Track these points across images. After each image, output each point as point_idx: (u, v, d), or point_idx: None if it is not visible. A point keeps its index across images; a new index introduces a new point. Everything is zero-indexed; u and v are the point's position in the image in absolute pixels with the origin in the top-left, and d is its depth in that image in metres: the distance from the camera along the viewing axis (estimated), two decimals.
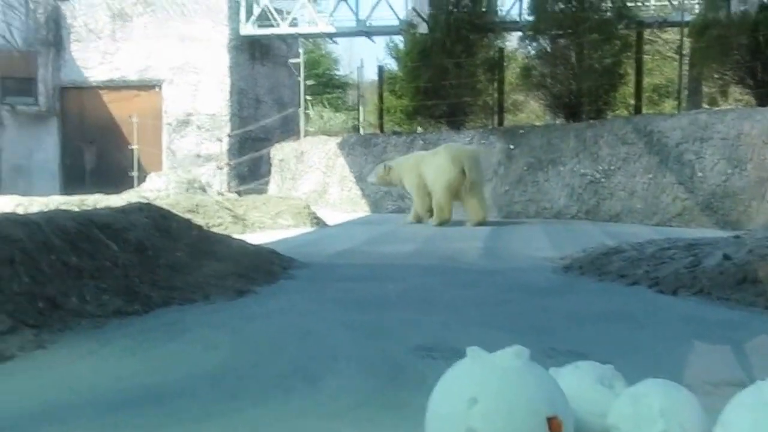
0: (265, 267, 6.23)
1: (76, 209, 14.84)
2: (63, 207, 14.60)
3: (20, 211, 14.76)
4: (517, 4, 18.62)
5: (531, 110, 21.40)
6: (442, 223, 11.65)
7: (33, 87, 21.51)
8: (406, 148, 15.16)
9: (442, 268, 6.76)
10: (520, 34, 16.66)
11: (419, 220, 12.28)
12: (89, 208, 15.03)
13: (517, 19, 17.94)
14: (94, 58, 21.68)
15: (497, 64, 16.02)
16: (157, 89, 21.47)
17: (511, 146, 14.11)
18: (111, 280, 4.42)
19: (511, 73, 18.30)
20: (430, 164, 11.89)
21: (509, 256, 7.79)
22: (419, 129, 17.26)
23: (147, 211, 5.63)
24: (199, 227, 6.40)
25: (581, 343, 3.55)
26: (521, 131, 14.43)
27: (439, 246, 8.84)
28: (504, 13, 18.02)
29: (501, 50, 16.33)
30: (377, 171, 12.97)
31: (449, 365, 2.07)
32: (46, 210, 14.83)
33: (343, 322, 4.16)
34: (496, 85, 16.03)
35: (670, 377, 2.15)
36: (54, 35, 21.78)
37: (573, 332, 3.88)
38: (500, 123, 15.76)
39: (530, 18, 15.69)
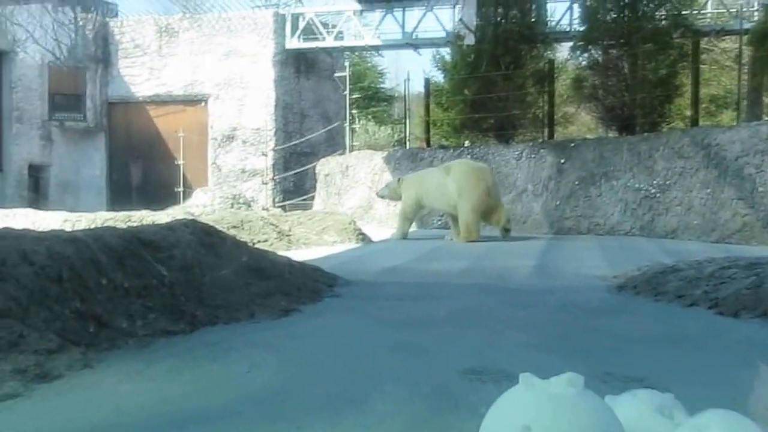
0: (310, 285, 6.26)
1: (123, 226, 15.11)
2: (110, 223, 14.92)
3: (68, 227, 15.11)
4: (568, 14, 18.53)
5: (582, 123, 21.22)
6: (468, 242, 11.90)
7: (81, 103, 22.05)
8: None
9: (492, 287, 6.71)
10: (570, 44, 16.55)
11: (404, 237, 12.77)
12: (135, 225, 15.28)
13: (568, 30, 17.82)
14: (141, 74, 22.13)
15: (547, 75, 15.92)
16: (202, 104, 21.82)
17: (562, 160, 13.99)
18: (157, 299, 4.47)
19: (562, 85, 18.18)
20: (444, 184, 12.19)
21: (561, 275, 7.70)
22: (467, 143, 17.22)
23: (192, 227, 5.70)
24: (245, 244, 6.46)
25: (637, 368, 3.48)
26: (572, 144, 14.29)
27: (489, 264, 8.78)
28: (554, 24, 17.92)
29: (551, 61, 16.24)
30: (390, 184, 13.28)
31: (499, 389, 2.05)
32: (93, 226, 15.14)
33: (389, 342, 4.15)
34: (545, 97, 15.93)
35: (733, 407, 2.10)
36: (102, 51, 22.30)
37: (628, 356, 3.81)
38: (550, 136, 15.64)
39: (581, 28, 15.57)
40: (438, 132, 20.70)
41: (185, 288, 4.82)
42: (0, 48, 20.78)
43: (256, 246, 10.75)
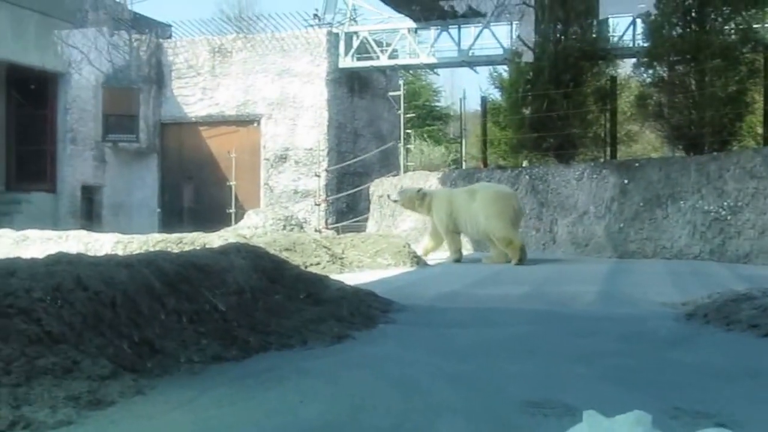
0: (363, 310, 6.27)
1: (175, 248, 15.35)
2: (161, 245, 15.18)
3: (120, 249, 15.41)
4: (631, 29, 18.35)
5: (647, 141, 20.93)
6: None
7: (134, 124, 22.59)
8: (512, 184, 15.04)
9: (553, 314, 6.63)
10: (633, 60, 16.37)
11: (430, 251, 13.10)
12: (187, 247, 15.50)
13: (631, 45, 17.64)
14: (194, 94, 22.59)
15: (609, 93, 15.76)
16: (255, 124, 22.16)
17: (626, 181, 13.80)
18: (210, 325, 4.54)
19: (624, 102, 17.97)
20: (470, 208, 12.42)
21: (625, 301, 7.57)
22: (525, 163, 17.11)
23: (244, 252, 5.77)
24: (297, 268, 6.52)
25: (709, 403, 3.40)
26: (636, 164, 14.10)
27: (550, 289, 8.68)
28: (616, 39, 17.77)
29: (613, 78, 16.08)
30: (407, 192, 13.36)
31: (561, 424, 2.02)
32: (145, 248, 15.39)
33: (446, 371, 4.12)
34: (607, 115, 15.76)
35: None
36: (156, 72, 22.84)
37: (699, 390, 3.72)
38: (613, 156, 15.45)
39: (645, 44, 15.40)
40: (495, 151, 20.62)
41: (237, 313, 4.88)
42: (55, 69, 21.43)
43: (308, 269, 10.83)
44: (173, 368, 3.98)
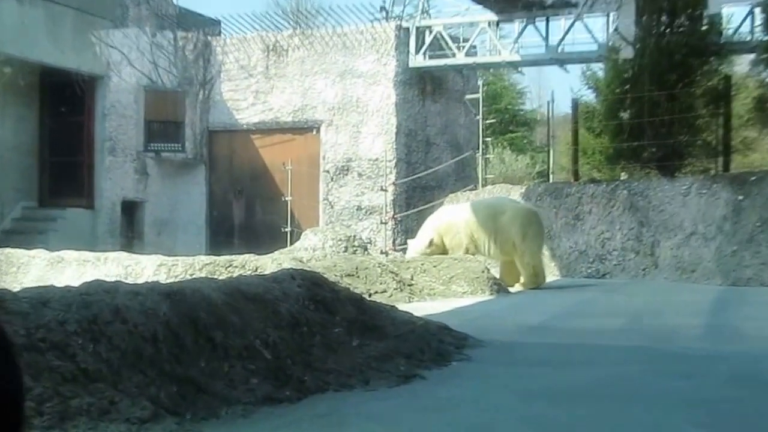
0: (434, 346, 6.30)
1: (223, 272, 15.53)
2: (209, 268, 15.45)
3: (163, 272, 15.77)
4: (748, 21, 18.02)
5: (767, 150, 20.49)
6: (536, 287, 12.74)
7: (180, 131, 23.04)
8: (606, 200, 14.90)
9: (651, 352, 6.56)
10: (752, 57, 16.07)
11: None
12: (237, 271, 15.71)
13: (748, 39, 17.32)
14: (246, 98, 22.97)
15: (722, 94, 15.50)
16: (313, 132, 22.40)
17: (740, 197, 13.54)
18: (260, 361, 4.63)
19: (740, 105, 17.63)
20: (496, 229, 13.00)
21: (737, 337, 7.45)
22: (622, 175, 16.93)
23: (300, 278, 5.87)
24: (360, 298, 6.59)
25: None
26: (753, 178, 13.83)
27: (649, 322, 8.59)
28: (731, 33, 17.47)
29: (727, 77, 15.81)
30: (420, 249, 13.68)
31: None
32: (190, 272, 15.65)
33: (529, 418, 4.13)
34: (720, 120, 15.50)
35: None
36: (203, 74, 23.33)
37: None
38: (726, 167, 15.18)
39: (765, 37, 15.11)
40: (588, 162, 20.46)
41: (292, 349, 4.97)
42: (93, 72, 22.04)
43: (372, 297, 10.91)
44: (219, 410, 4.07)
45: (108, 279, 15.68)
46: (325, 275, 10.64)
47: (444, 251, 13.64)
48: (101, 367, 3.75)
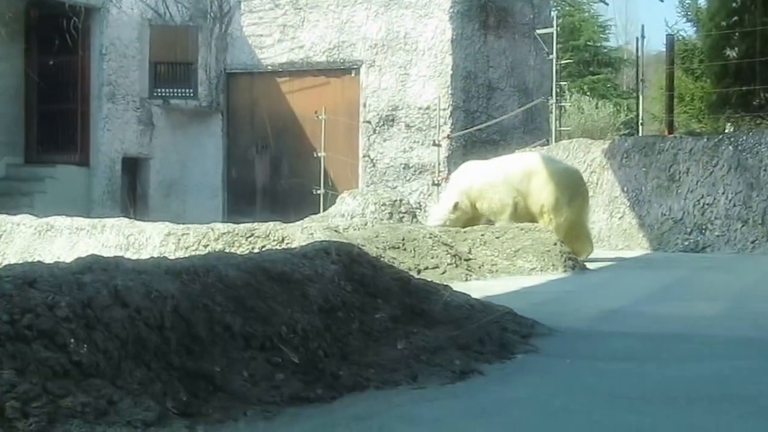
0: (496, 335, 6.30)
1: (244, 243, 15.72)
2: (226, 238, 15.60)
3: (172, 243, 15.96)
4: None
5: None
6: None
7: (191, 74, 23.10)
8: (708, 157, 14.75)
9: (761, 345, 6.50)
10: None
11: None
12: (260, 242, 15.87)
13: None
14: (271, 34, 22.95)
15: None
16: (352, 75, 22.36)
17: None
18: (287, 353, 4.66)
19: None
20: (528, 192, 13.35)
21: None
22: (728, 127, 16.73)
23: (335, 253, 5.89)
24: (407, 277, 6.60)
25: None
26: None
27: (757, 307, 8.51)
28: None
29: None
30: (443, 215, 13.78)
31: None
32: (205, 243, 15.82)
33: (608, 425, 4.12)
34: None
35: None
36: (219, 5, 23.32)
37: None
38: None
39: None
40: (686, 111, 20.23)
41: (325, 339, 5.00)
42: (89, 3, 22.10)
43: (422, 275, 10.92)
44: (238, 412, 4.11)
45: (106, 251, 15.95)
46: (365, 248, 10.74)
47: (473, 219, 13.71)
48: (98, 360, 3.80)
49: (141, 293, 4.18)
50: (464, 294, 7.43)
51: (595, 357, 5.97)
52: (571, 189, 13.43)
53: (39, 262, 4.35)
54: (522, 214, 13.43)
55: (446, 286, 7.54)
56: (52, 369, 3.63)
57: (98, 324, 3.93)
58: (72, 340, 3.76)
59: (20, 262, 17.15)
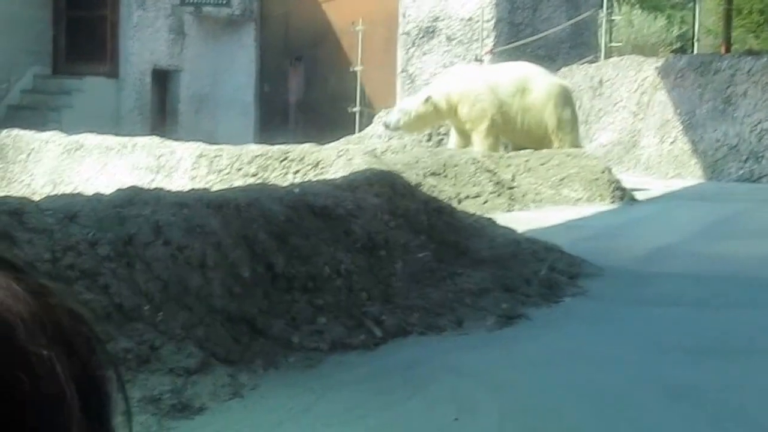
0: (543, 276, 6.30)
1: (277, 165, 15.70)
2: (259, 160, 15.67)
3: (204, 165, 16.04)
4: None
5: None
6: None
7: None
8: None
9: None
10: None
11: None
12: (294, 164, 15.89)
13: None
14: None
15: None
16: None
17: None
18: (330, 295, 4.69)
19: None
20: (524, 107, 13.12)
21: None
22: None
23: (378, 185, 5.88)
24: (451, 211, 6.60)
25: None
26: None
27: None
28: None
29: None
30: (410, 109, 13.61)
31: None
32: (237, 164, 15.85)
33: (663, 381, 4.14)
34: None
35: None
36: None
37: None
38: None
39: None
40: (744, 24, 19.84)
41: (368, 279, 5.02)
42: None
43: (463, 203, 10.94)
44: (280, 358, 4.16)
45: (136, 173, 15.93)
46: (405, 174, 10.76)
47: (438, 120, 13.91)
48: (139, 302, 3.85)
49: (183, 229, 4.22)
50: (509, 229, 7.42)
51: (644, 301, 5.94)
52: (571, 106, 13.58)
53: (79, 193, 4.38)
54: (510, 129, 13.36)
55: (490, 219, 7.55)
56: (94, 312, 3.68)
57: (139, 263, 3.97)
58: (113, 281, 3.81)
59: (50, 182, 17.26)
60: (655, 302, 5.94)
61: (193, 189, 5.08)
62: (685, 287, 6.51)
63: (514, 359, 4.46)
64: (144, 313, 3.83)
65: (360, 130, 20.38)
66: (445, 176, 11.51)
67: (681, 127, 15.41)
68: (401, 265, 5.36)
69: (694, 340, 4.93)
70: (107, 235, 3.88)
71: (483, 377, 4.14)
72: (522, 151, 13.06)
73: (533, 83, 13.24)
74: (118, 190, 4.55)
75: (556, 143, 13.09)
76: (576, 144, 13.30)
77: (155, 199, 4.47)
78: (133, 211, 4.22)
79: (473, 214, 7.58)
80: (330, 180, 6.28)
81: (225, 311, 4.21)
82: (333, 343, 4.41)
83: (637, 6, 25.61)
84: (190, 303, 4.06)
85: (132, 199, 4.39)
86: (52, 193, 17.68)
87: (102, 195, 4.44)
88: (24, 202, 3.87)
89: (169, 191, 4.71)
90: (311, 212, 5.12)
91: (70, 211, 3.94)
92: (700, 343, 4.84)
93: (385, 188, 6.05)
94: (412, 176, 10.69)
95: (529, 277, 6.11)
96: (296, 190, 5.35)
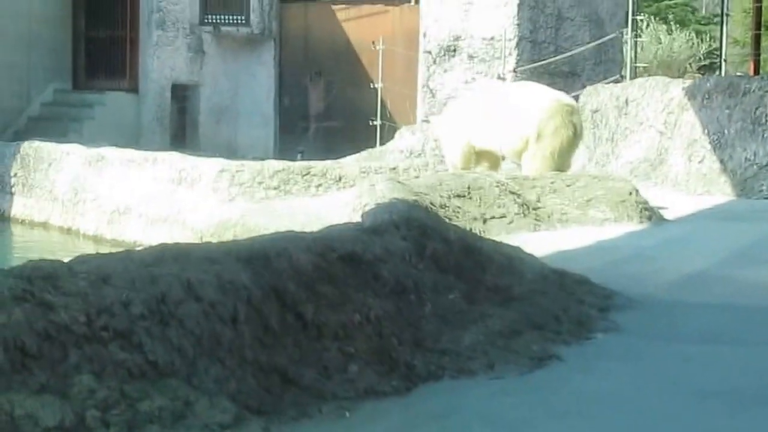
0: (573, 310, 6.34)
1: (300, 181, 15.80)
2: (281, 176, 15.77)
3: (226, 179, 16.14)
4: None
5: None
6: None
7: (243, 0, 23.17)
8: None
9: None
10: None
11: None
12: (316, 180, 15.95)
13: None
14: None
15: None
16: (412, 3, 22.24)
17: None
18: (360, 342, 4.74)
19: None
20: (505, 114, 13.33)
21: None
22: None
23: (406, 227, 5.92)
24: (479, 247, 6.60)
25: None
26: None
27: None
28: None
29: None
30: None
31: None
32: (258, 180, 15.95)
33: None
34: None
35: None
36: None
37: None
38: None
39: None
40: None
41: (398, 324, 5.06)
42: None
43: (488, 223, 10.98)
44: (313, 408, 4.20)
45: (157, 185, 16.08)
46: (428, 196, 10.78)
47: None
48: (173, 359, 3.90)
49: (214, 285, 4.27)
50: (538, 260, 7.43)
51: (678, 337, 5.95)
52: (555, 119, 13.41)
53: (110, 253, 4.44)
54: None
55: (518, 248, 7.54)
56: (128, 371, 3.73)
57: (172, 320, 4.02)
58: (147, 339, 3.86)
59: (72, 190, 17.35)
60: (691, 339, 5.91)
61: (221, 242, 5.12)
62: (718, 319, 6.49)
63: (547, 407, 4.47)
64: (177, 369, 3.87)
65: (381, 143, 20.43)
66: (470, 198, 11.51)
67: (709, 147, 15.40)
68: (430, 308, 5.39)
69: (729, 382, 4.90)
70: (140, 295, 3.94)
71: (517, 427, 4.17)
72: (546, 173, 13.08)
73: (516, 91, 14.16)
74: (149, 247, 4.60)
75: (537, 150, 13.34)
76: (555, 154, 13.41)
77: (185, 255, 4.52)
78: (164, 269, 4.26)
79: (500, 244, 7.56)
80: (357, 224, 6.32)
81: (256, 362, 4.25)
82: (365, 391, 4.46)
83: (663, 20, 25.63)
84: (223, 356, 4.11)
85: (162, 255, 4.44)
86: (75, 201, 17.79)
87: (133, 252, 4.49)
88: (56, 265, 3.93)
89: (198, 245, 4.76)
90: (339, 259, 5.16)
91: (102, 272, 3.99)
92: (736, 387, 4.81)
93: (412, 231, 6.07)
94: (436, 198, 10.75)
95: (558, 314, 6.12)
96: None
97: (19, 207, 19.37)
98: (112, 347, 3.75)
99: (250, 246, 4.86)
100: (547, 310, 6.12)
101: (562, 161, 13.45)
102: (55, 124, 22.30)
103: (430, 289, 5.54)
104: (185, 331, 4.02)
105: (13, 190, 19.50)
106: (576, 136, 13.47)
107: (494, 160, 14.07)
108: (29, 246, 17.62)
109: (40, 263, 3.95)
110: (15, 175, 19.49)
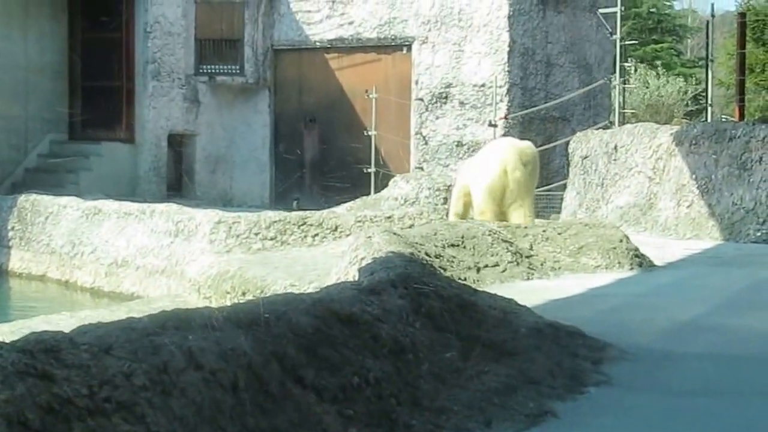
0: (566, 365, 6.33)
1: (296, 231, 15.81)
2: (278, 227, 15.78)
3: (222, 231, 16.17)
4: None
5: None
6: None
7: (238, 51, 23.30)
8: None
9: None
10: None
11: None
12: (313, 230, 15.97)
13: None
14: (320, 10, 23.01)
15: None
16: (404, 51, 22.36)
17: None
18: (360, 404, 4.74)
19: None
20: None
21: None
22: None
23: (402, 287, 5.94)
24: (473, 303, 6.62)
25: None
26: None
27: None
28: None
29: None
30: None
31: None
32: (255, 231, 15.97)
33: None
34: None
35: None
36: None
37: None
38: None
39: None
40: (757, 82, 19.95)
41: (396, 385, 5.06)
42: None
43: (482, 272, 10.98)
44: None
45: (155, 237, 16.07)
46: (423, 246, 10.79)
47: None
48: (175, 428, 3.89)
49: (215, 353, 4.27)
50: (531, 312, 7.43)
51: (671, 390, 5.93)
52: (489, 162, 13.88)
53: (112, 322, 4.44)
54: None
55: (512, 301, 7.55)
56: None
57: (174, 389, 4.02)
58: (150, 410, 3.86)
59: (69, 243, 17.32)
60: (681, 391, 5.88)
61: (220, 307, 5.12)
62: (710, 370, 6.45)
63: None
64: None
65: (375, 190, 20.48)
66: (464, 247, 11.54)
67: (697, 192, 15.50)
68: (427, 367, 5.39)
69: None
70: (142, 366, 3.94)
71: None
72: (538, 221, 13.15)
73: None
74: (149, 315, 4.61)
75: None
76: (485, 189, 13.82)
77: (186, 322, 4.52)
78: (165, 338, 4.27)
79: (495, 297, 7.56)
80: (355, 283, 6.34)
81: (258, 428, 4.25)
82: None
83: (650, 64, 25.77)
84: (224, 424, 4.11)
85: (163, 323, 4.44)
86: (72, 254, 17.76)
87: (134, 321, 4.49)
88: (58, 337, 3.93)
89: (199, 311, 4.76)
90: (338, 320, 5.17)
91: (104, 343, 4.00)
92: None
93: (409, 291, 6.10)
94: (431, 248, 10.76)
95: (552, 369, 6.13)
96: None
97: (17, 260, 19.36)
98: (115, 419, 3.74)
99: (251, 310, 4.87)
100: (542, 365, 6.12)
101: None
102: (52, 175, 22.33)
103: (427, 347, 5.55)
104: (187, 400, 4.02)
105: (10, 243, 19.49)
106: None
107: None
108: (27, 300, 17.58)
109: (42, 335, 3.95)
110: (12, 228, 19.50)
